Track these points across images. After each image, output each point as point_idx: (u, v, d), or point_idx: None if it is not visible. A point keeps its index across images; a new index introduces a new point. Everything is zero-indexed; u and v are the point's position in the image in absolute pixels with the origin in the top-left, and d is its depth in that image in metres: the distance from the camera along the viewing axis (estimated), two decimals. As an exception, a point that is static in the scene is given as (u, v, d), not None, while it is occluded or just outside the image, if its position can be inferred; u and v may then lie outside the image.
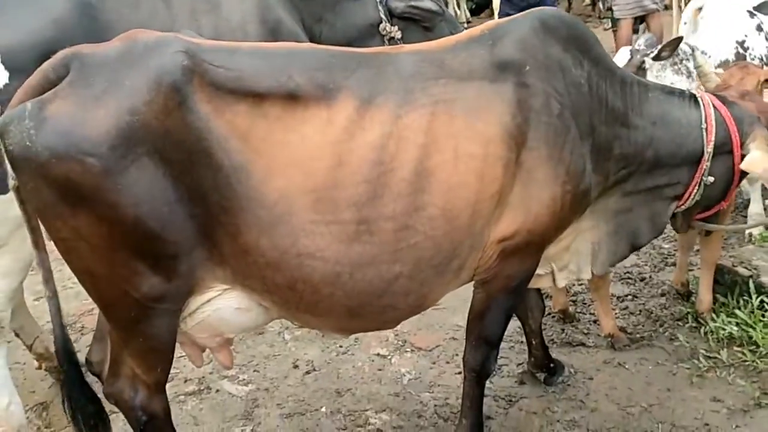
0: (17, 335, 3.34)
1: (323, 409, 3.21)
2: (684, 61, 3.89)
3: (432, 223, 2.21)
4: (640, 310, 3.79)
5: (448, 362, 3.47)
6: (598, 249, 2.76)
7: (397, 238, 2.20)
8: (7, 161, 1.97)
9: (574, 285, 3.93)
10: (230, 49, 2.19)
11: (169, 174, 2.01)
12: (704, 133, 2.67)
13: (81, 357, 2.84)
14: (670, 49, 3.82)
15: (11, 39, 2.59)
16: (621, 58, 3.97)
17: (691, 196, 2.75)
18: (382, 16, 3.51)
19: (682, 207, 2.80)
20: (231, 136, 2.06)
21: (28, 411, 3.21)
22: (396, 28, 3.51)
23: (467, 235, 2.28)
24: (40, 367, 3.47)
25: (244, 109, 2.08)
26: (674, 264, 4.04)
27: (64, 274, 2.24)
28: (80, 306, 4.01)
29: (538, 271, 2.66)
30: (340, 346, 3.63)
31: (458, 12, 10.04)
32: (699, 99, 2.74)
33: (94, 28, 2.71)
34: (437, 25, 3.60)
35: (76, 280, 2.20)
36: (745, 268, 3.63)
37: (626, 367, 3.36)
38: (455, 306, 3.58)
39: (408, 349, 3.59)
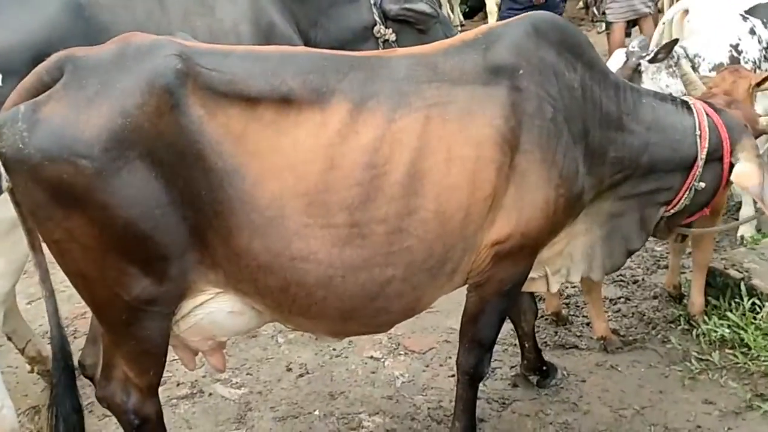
0: (9, 339, 3.33)
1: (316, 413, 3.21)
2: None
3: (425, 226, 2.22)
4: (633, 313, 3.81)
5: (441, 365, 3.48)
6: (591, 253, 2.77)
7: (389, 241, 2.20)
8: (0, 163, 1.97)
9: (566, 288, 3.94)
10: (224, 53, 2.19)
11: (162, 177, 2.01)
12: (698, 140, 2.68)
13: (73, 360, 2.85)
14: (666, 51, 3.84)
15: (4, 41, 2.59)
16: (616, 61, 3.99)
17: (681, 201, 2.77)
18: (377, 18, 3.51)
19: (671, 212, 2.81)
20: (224, 139, 2.06)
21: (21, 415, 3.19)
22: (390, 30, 3.52)
23: (460, 238, 2.28)
24: (32, 371, 3.45)
25: (237, 113, 2.08)
26: (666, 267, 4.06)
27: (56, 277, 2.24)
28: (72, 309, 3.99)
29: (532, 274, 2.67)
30: (334, 349, 3.63)
31: (452, 15, 10.04)
32: (691, 105, 2.75)
33: (88, 31, 2.71)
34: (432, 28, 3.61)
35: (68, 283, 2.19)
36: (737, 270, 3.65)
37: (619, 369, 3.37)
38: (449, 309, 3.59)
39: (401, 352, 3.59)
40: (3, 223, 2.47)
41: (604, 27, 8.40)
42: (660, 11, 7.49)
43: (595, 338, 3.55)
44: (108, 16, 2.82)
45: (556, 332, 3.68)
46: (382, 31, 3.52)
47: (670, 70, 3.94)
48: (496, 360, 3.36)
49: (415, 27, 3.57)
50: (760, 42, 4.15)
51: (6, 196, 2.07)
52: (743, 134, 2.75)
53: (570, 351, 3.54)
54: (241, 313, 2.31)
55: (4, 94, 2.12)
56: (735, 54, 4.08)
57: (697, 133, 2.68)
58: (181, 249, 2.10)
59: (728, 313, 3.47)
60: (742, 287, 3.52)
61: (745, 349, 3.31)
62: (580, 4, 10.58)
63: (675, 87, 3.87)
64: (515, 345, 3.42)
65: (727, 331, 3.40)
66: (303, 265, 2.17)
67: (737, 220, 4.47)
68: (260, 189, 2.09)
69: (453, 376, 3.18)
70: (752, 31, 4.15)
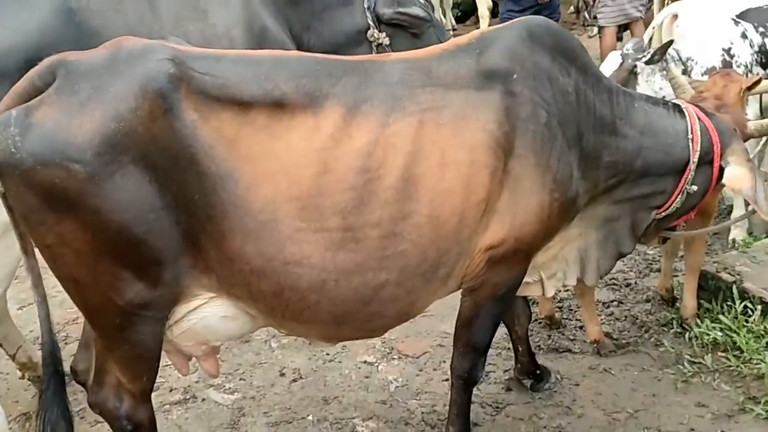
0: (0, 345, 3.30)
1: (310, 417, 3.20)
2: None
3: (419, 230, 2.21)
4: (626, 316, 3.81)
5: (435, 369, 3.47)
6: (586, 257, 2.77)
7: (383, 245, 2.20)
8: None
9: (559, 291, 3.94)
10: (216, 57, 2.18)
11: (155, 181, 2.01)
12: (690, 143, 2.69)
13: (65, 366, 2.83)
14: (661, 53, 3.87)
15: (-4, 45, 2.58)
16: (611, 63, 4.00)
17: (673, 205, 2.77)
18: (370, 22, 3.51)
19: (662, 215, 2.82)
20: (217, 143, 2.05)
21: (12, 421, 3.18)
22: (384, 34, 3.52)
23: (454, 242, 2.28)
24: (23, 377, 3.43)
25: (230, 117, 2.07)
26: (659, 270, 4.07)
27: (48, 282, 2.23)
28: (64, 315, 3.97)
29: (527, 279, 2.67)
30: (327, 354, 3.62)
31: (443, 19, 10.06)
32: (684, 109, 2.76)
33: (80, 35, 2.70)
34: (425, 32, 3.61)
35: (60, 288, 2.18)
36: (729, 273, 3.66)
37: (612, 372, 3.38)
38: (443, 313, 3.59)
39: (395, 357, 3.59)
40: (-8, 228, 2.46)
41: (595, 31, 8.45)
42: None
43: (588, 341, 3.56)
44: (99, 21, 2.82)
45: (549, 336, 3.68)
46: (375, 35, 3.52)
47: (664, 72, 3.96)
48: (489, 364, 3.36)
49: (408, 31, 3.57)
50: (752, 46, 4.18)
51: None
52: (733, 138, 2.77)
53: (563, 354, 3.54)
54: (234, 318, 2.30)
55: (-4, 98, 2.11)
56: (727, 58, 4.11)
57: (690, 136, 2.69)
58: (174, 253, 2.09)
59: (720, 316, 3.48)
60: (734, 290, 3.53)
61: (737, 352, 3.33)
62: (571, 8, 10.62)
63: (668, 90, 3.89)
64: (509, 349, 3.42)
65: (720, 334, 3.41)
66: (296, 269, 2.16)
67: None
68: (253, 193, 2.08)
69: (447, 380, 3.18)
70: (744, 35, 4.18)
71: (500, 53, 2.34)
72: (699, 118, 2.74)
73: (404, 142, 2.20)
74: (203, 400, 3.36)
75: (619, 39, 7.41)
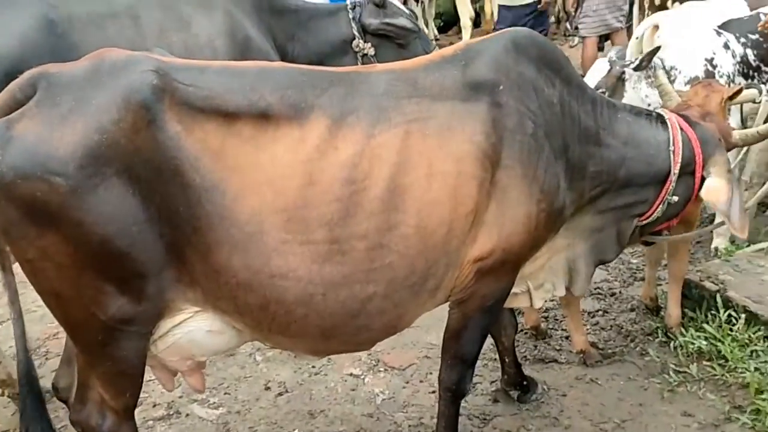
0: (-22, 361, 3.24)
1: (296, 432, 3.17)
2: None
3: (406, 242, 2.20)
4: (611, 326, 3.82)
5: (422, 381, 3.45)
6: (574, 267, 2.78)
7: (370, 257, 2.18)
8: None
9: (545, 301, 3.93)
10: (201, 68, 2.16)
11: (139, 193, 1.98)
12: (671, 155, 2.70)
13: (46, 382, 2.78)
14: (648, 59, 3.91)
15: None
16: (598, 70, 4.03)
17: (654, 214, 2.79)
18: (356, 32, 3.51)
19: (643, 222, 2.83)
20: (202, 154, 2.03)
21: (-10, 439, 3.12)
22: (369, 45, 3.52)
23: (442, 253, 2.27)
24: (2, 394, 3.36)
25: (215, 128, 2.05)
26: (643, 279, 4.08)
27: (27, 297, 2.19)
28: (45, 330, 3.90)
29: (514, 289, 2.67)
30: (313, 367, 3.58)
31: (426, 29, 10.11)
32: (666, 119, 2.77)
33: (61, 47, 2.67)
34: (411, 42, 3.61)
35: (40, 302, 2.14)
36: (712, 282, 3.67)
37: (598, 383, 3.38)
38: (429, 324, 3.57)
39: (381, 369, 3.56)
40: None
41: (576, 41, 8.53)
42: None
43: (574, 352, 3.56)
44: (81, 33, 2.79)
45: (535, 346, 3.68)
46: (361, 45, 3.52)
47: (649, 80, 4.00)
48: (476, 375, 3.34)
49: (394, 41, 3.58)
50: (734, 56, 4.23)
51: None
52: (716, 148, 2.77)
53: (550, 365, 3.54)
54: (220, 332, 2.27)
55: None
56: (710, 68, 4.15)
57: (671, 148, 2.70)
58: (158, 266, 2.07)
59: (705, 325, 3.50)
60: (718, 299, 3.54)
61: (722, 361, 3.34)
62: (552, 18, 10.72)
63: (654, 98, 3.93)
64: (495, 360, 3.41)
65: (704, 343, 3.42)
66: (282, 282, 2.14)
67: (710, 231, 4.51)
68: (239, 204, 2.06)
69: (434, 392, 3.16)
70: (726, 46, 4.23)
71: (486, 64, 2.35)
72: (682, 129, 2.75)
73: (390, 153, 2.18)
74: (187, 415, 3.31)
75: (600, 49, 7.49)
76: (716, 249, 4.36)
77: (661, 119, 2.78)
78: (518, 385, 3.26)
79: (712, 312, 3.55)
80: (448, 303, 2.55)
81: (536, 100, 2.36)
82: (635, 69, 3.94)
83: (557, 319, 3.89)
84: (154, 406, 3.36)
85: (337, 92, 2.21)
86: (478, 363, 3.34)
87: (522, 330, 3.69)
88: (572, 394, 3.31)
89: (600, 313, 3.95)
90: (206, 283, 2.13)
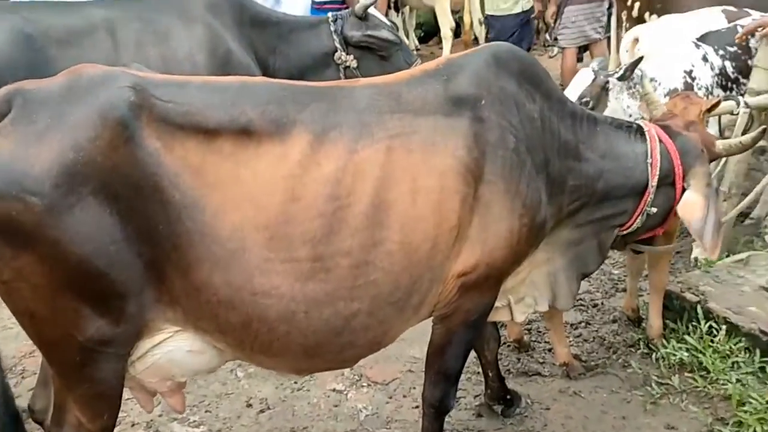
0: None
1: (278, 449, 3.13)
2: (638, 86, 4.00)
3: (390, 258, 2.18)
4: (594, 338, 3.83)
5: (405, 396, 3.42)
6: (555, 281, 2.77)
7: (354, 274, 2.16)
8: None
9: (527, 315, 3.93)
10: (180, 84, 2.14)
11: (116, 212, 1.95)
12: (649, 167, 2.71)
13: (23, 402, 2.71)
14: (632, 68, 3.94)
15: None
16: (582, 79, 4.05)
17: (634, 224, 2.79)
18: (338, 45, 3.50)
19: (623, 233, 2.84)
20: (182, 171, 2.00)
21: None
22: (351, 57, 3.50)
23: (427, 269, 2.25)
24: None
25: (195, 145, 2.03)
26: (624, 290, 4.10)
27: (3, 313, 2.13)
28: (20, 347, 3.81)
29: (496, 303, 2.65)
30: (295, 383, 3.53)
31: (407, 40, 10.14)
32: (645, 132, 2.77)
33: (39, 61, 2.63)
34: (393, 55, 3.61)
35: (15, 320, 2.09)
36: (693, 293, 3.68)
37: (582, 395, 3.37)
38: (411, 338, 3.52)
39: (364, 384, 3.53)
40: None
41: (556, 51, 8.58)
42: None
43: (557, 364, 3.55)
44: (57, 48, 2.75)
45: (518, 359, 3.67)
46: (343, 57, 3.50)
47: (631, 91, 4.03)
48: (460, 389, 3.32)
49: (377, 54, 3.56)
50: (712, 69, 4.27)
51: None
52: (698, 159, 2.75)
53: (533, 378, 3.53)
54: (201, 352, 2.23)
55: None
56: (689, 80, 4.19)
57: (649, 160, 2.71)
58: (137, 286, 2.03)
59: (686, 337, 3.51)
60: (699, 310, 3.56)
61: (704, 372, 3.35)
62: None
63: (635, 108, 3.96)
64: (479, 373, 3.39)
65: (686, 354, 3.43)
66: (265, 300, 2.11)
67: (694, 240, 4.53)
68: (220, 221, 2.03)
69: (417, 407, 3.14)
70: (705, 58, 4.27)
71: (468, 79, 2.34)
72: (661, 140, 2.75)
73: (373, 169, 2.17)
74: (167, 433, 3.26)
75: (579, 60, 7.55)
76: (696, 259, 4.38)
77: (640, 131, 2.78)
78: (502, 399, 3.25)
79: (693, 323, 3.56)
80: (431, 318, 2.53)
81: (517, 115, 2.36)
82: (619, 79, 3.97)
83: (540, 332, 3.88)
84: (133, 425, 3.29)
85: (319, 107, 2.19)
86: (462, 377, 3.31)
87: (505, 343, 3.68)
88: (556, 408, 3.30)
89: (582, 324, 3.95)
90: (187, 301, 2.10)
